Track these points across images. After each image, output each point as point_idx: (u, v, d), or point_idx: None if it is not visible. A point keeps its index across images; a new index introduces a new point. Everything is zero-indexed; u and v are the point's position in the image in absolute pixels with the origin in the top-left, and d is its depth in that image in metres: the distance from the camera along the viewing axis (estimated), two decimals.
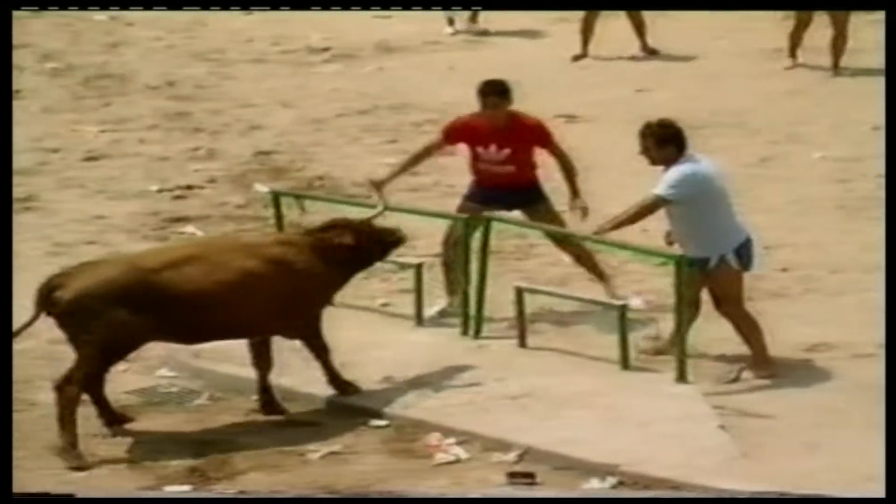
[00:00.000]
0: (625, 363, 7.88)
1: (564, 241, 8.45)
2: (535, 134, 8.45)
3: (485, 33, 14.75)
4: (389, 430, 7.43)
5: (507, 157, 8.36)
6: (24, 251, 9.50)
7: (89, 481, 6.96)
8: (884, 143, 10.56)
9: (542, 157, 8.60)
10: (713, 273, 7.75)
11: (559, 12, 14.77)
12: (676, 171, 7.68)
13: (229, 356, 8.03)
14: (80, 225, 10.11)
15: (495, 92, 8.41)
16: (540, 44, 14.51)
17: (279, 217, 8.82)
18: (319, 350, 7.64)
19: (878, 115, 11.15)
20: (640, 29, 13.89)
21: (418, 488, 6.87)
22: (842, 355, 8.13)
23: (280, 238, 7.79)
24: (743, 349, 8.01)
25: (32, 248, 9.61)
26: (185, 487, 6.92)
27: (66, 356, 7.38)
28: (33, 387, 7.76)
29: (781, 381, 7.86)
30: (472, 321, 8.23)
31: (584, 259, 8.46)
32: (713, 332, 8.07)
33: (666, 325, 8.06)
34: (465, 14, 14.90)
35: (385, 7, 15.05)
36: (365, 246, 7.66)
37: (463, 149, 8.66)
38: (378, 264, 8.69)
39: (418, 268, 8.51)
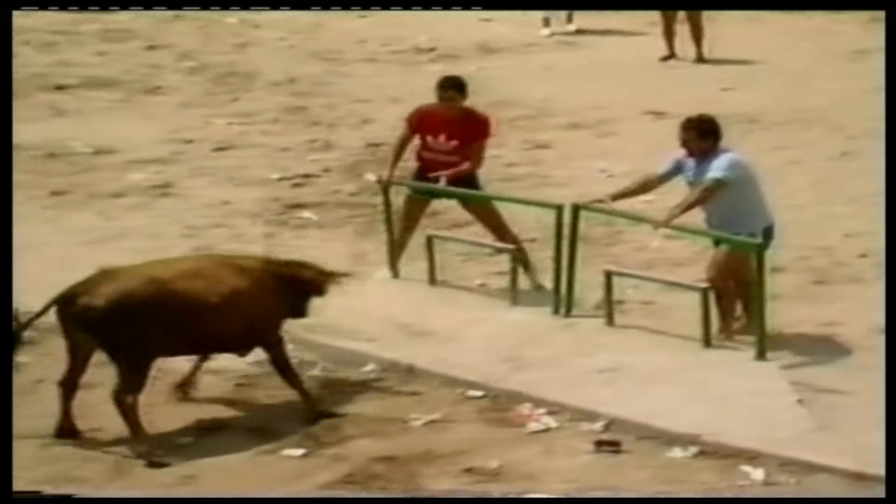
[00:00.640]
0: (706, 341, 7.76)
1: (481, 213, 8.46)
2: (482, 127, 8.44)
3: (579, 33, 14.64)
4: (485, 401, 7.39)
5: (453, 149, 8.37)
6: (162, 233, 9.63)
7: (209, 444, 7.00)
8: None
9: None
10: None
11: (649, 16, 14.62)
12: (726, 158, 7.74)
13: (341, 332, 8.06)
14: (209, 209, 10.20)
15: (453, 86, 8.43)
16: (630, 45, 14.38)
17: (387, 204, 8.81)
18: (280, 365, 7.30)
19: None
20: (697, 37, 13.72)
21: (510, 455, 6.82)
22: None
23: (255, 260, 7.45)
24: (820, 330, 7.85)
25: (168, 230, 9.73)
26: (300, 450, 6.94)
27: None
28: None
29: (856, 360, 7.68)
30: (563, 301, 8.16)
31: (497, 229, 8.46)
32: (791, 312, 7.92)
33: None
34: (561, 16, 14.81)
35: (385, 7, 15.10)
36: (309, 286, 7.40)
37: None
38: (475, 248, 8.70)
39: (512, 252, 8.45)
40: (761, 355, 7.63)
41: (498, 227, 8.52)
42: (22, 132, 11.73)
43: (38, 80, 13.36)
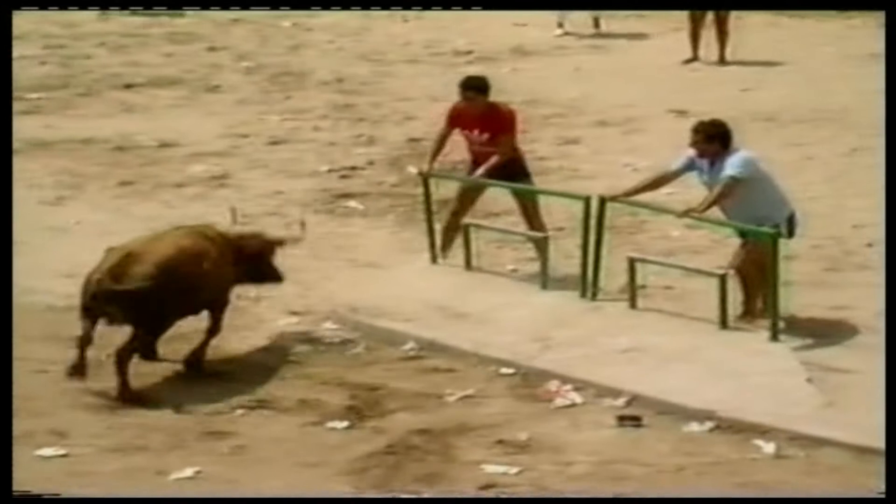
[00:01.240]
0: (723, 323, 7.69)
1: (524, 203, 8.46)
2: (505, 121, 8.44)
3: (603, 36, 14.56)
4: (516, 378, 7.36)
5: (486, 140, 8.40)
6: (220, 220, 9.63)
7: (259, 417, 7.01)
8: None
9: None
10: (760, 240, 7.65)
11: (673, 21, 14.51)
12: (738, 157, 7.68)
13: (383, 312, 8.04)
14: (263, 199, 10.21)
15: (471, 87, 8.48)
16: (655, 48, 14.28)
17: (427, 195, 8.79)
18: (217, 328, 7.51)
19: None
20: (722, 39, 13.57)
21: (539, 428, 6.79)
22: None
23: (215, 231, 7.73)
24: (830, 314, 7.78)
25: (225, 219, 9.73)
26: (343, 423, 6.94)
27: None
28: None
29: (863, 342, 7.60)
30: (589, 286, 8.11)
31: (533, 220, 8.46)
32: (803, 297, 7.84)
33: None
34: (573, 17, 14.74)
35: (385, 7, 15.05)
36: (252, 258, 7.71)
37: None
38: (509, 236, 8.68)
39: (544, 239, 8.42)
40: (774, 337, 7.55)
41: (532, 216, 8.52)
42: (94, 127, 11.82)
43: (111, 79, 13.44)
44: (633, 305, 8.00)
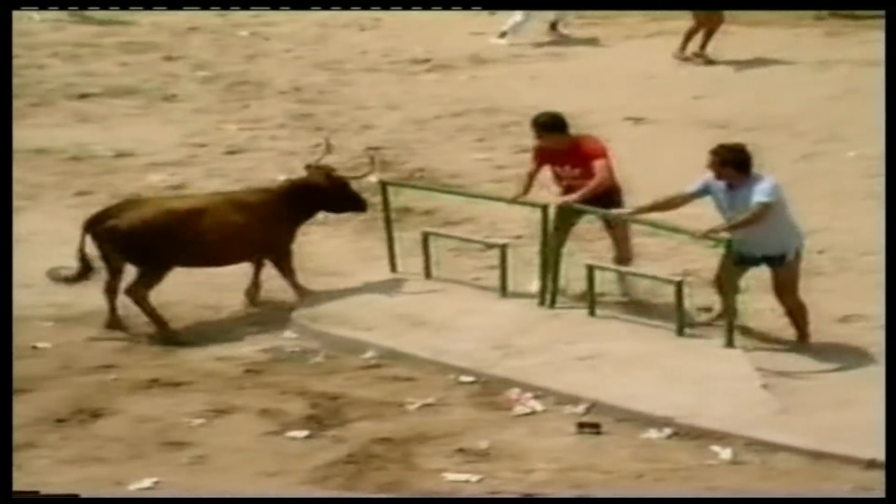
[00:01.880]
0: (680, 330, 7.74)
1: (613, 227, 8.28)
2: (589, 153, 8.22)
3: (562, 43, 14.59)
4: (476, 386, 7.37)
5: (578, 174, 8.22)
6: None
7: (219, 426, 6.97)
8: None
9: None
10: (788, 265, 7.60)
11: (627, 28, 14.60)
12: (768, 183, 7.58)
13: (343, 321, 8.03)
14: None
15: (537, 126, 8.35)
16: (611, 55, 14.34)
17: (386, 203, 8.78)
18: (284, 273, 8.30)
19: None
20: (709, 36, 13.64)
21: (499, 436, 6.80)
22: (870, 325, 7.92)
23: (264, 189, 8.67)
24: (784, 320, 7.84)
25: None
26: (304, 432, 6.91)
27: None
28: None
29: (815, 348, 7.68)
30: (548, 293, 8.13)
31: (621, 244, 8.29)
32: (756, 304, 7.89)
33: (716, 298, 7.90)
34: (542, 26, 14.75)
35: (385, 7, 15.03)
36: None
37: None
38: (468, 245, 8.67)
39: (503, 247, 8.43)
40: (730, 343, 7.61)
41: (621, 241, 8.29)
42: (49, 137, 11.70)
43: (65, 89, 13.31)
44: (591, 313, 8.04)
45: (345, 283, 8.66)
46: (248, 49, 14.94)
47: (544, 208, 8.18)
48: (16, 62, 14.30)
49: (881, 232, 9.05)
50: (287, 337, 8.06)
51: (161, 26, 15.55)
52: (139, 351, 7.84)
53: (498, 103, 12.47)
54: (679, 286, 7.76)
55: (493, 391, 7.29)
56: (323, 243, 9.40)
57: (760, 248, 7.63)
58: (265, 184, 9.07)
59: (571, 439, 6.80)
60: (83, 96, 13.12)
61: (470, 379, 7.43)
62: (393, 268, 8.71)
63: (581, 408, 7.07)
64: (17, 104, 12.74)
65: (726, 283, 7.62)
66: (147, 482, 6.38)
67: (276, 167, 11.11)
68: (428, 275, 8.59)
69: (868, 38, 13.68)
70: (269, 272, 8.61)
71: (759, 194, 7.54)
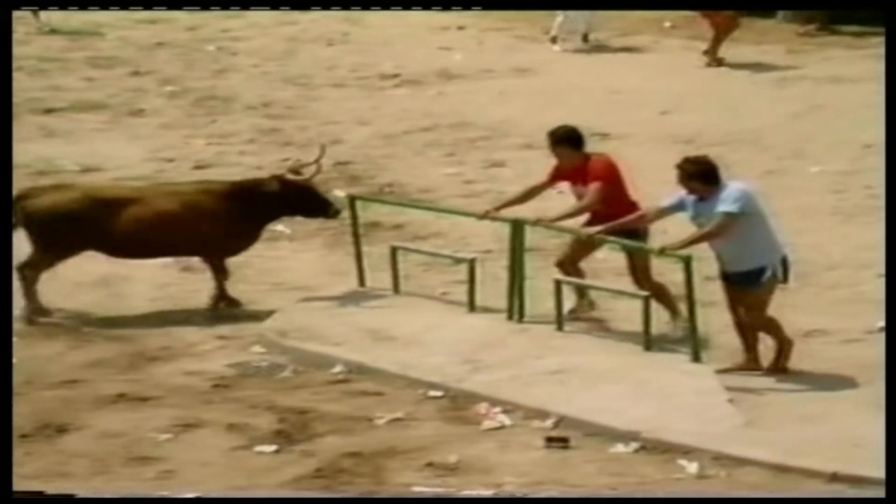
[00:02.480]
0: (647, 345, 7.79)
1: (641, 277, 7.94)
2: (589, 173, 8.00)
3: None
4: (445, 400, 7.38)
5: (584, 194, 8.02)
6: None
7: (187, 441, 6.95)
8: (875, 158, 10.41)
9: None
10: (763, 284, 7.31)
11: (595, 46, 14.68)
12: (731, 190, 7.27)
13: (311, 335, 8.02)
14: None
15: (552, 139, 8.18)
16: (577, 70, 14.43)
17: (354, 216, 8.79)
18: (215, 272, 8.46)
19: (870, 134, 10.98)
20: (719, 38, 13.82)
21: (468, 450, 6.81)
22: (834, 340, 8.01)
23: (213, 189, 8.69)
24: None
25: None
26: (272, 446, 6.90)
27: None
28: None
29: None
30: (516, 308, 8.16)
31: (661, 295, 7.93)
32: (722, 320, 7.95)
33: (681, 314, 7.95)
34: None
35: (385, 7, 15.05)
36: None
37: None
38: (437, 259, 8.66)
39: (471, 262, 8.44)
40: (696, 358, 7.66)
41: (640, 275, 7.95)
42: (15, 152, 11.61)
43: (30, 103, 13.23)
44: (559, 327, 8.07)
45: (313, 297, 8.65)
46: (216, 64, 14.92)
47: (514, 224, 8.21)
48: None
49: (845, 247, 9.16)
50: (255, 351, 8.05)
51: (128, 41, 15.50)
52: (105, 365, 7.80)
53: (467, 118, 12.51)
54: (647, 301, 7.81)
55: (462, 406, 7.30)
56: (292, 258, 9.40)
57: (733, 264, 7.37)
58: (216, 182, 8.97)
59: (540, 453, 6.83)
60: (49, 111, 13.05)
61: (438, 393, 7.44)
62: (361, 282, 8.72)
63: (549, 422, 7.09)
64: None
65: (689, 298, 7.60)
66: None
67: None
68: (396, 289, 8.60)
69: (830, 55, 13.86)
70: (235, 285, 8.60)
71: (722, 203, 7.28)
